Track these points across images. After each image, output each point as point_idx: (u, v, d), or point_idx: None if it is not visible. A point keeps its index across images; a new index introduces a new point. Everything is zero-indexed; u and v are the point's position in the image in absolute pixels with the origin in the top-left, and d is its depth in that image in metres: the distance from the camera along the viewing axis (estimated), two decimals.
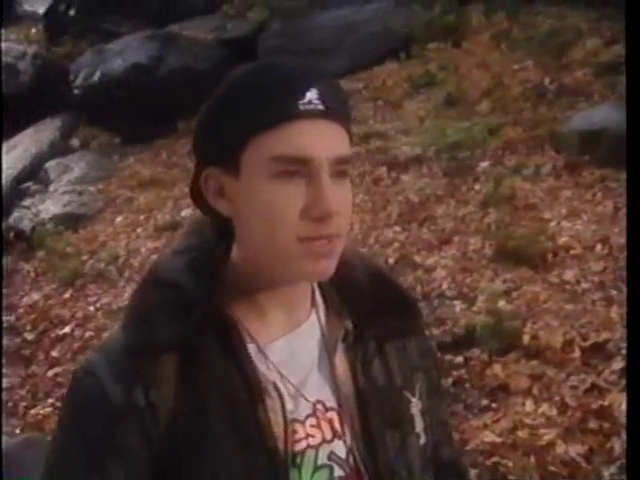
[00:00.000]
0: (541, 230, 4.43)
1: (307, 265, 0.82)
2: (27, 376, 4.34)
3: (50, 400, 4.03)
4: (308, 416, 0.88)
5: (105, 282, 5.38)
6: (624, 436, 2.76)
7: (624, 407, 2.86)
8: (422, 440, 0.94)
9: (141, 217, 6.41)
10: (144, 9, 9.75)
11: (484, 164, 5.69)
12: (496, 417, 3.01)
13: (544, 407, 3.00)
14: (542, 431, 2.89)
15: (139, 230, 6.20)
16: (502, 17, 7.66)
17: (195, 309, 0.86)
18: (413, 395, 0.95)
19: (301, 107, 0.80)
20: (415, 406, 0.95)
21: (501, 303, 3.76)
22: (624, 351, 3.14)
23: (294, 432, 0.86)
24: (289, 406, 0.87)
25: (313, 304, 0.93)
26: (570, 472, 2.71)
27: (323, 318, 0.93)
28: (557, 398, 3.03)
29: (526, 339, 3.36)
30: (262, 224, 0.82)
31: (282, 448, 0.85)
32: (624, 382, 3.00)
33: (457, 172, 5.51)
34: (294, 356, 0.89)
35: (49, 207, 6.91)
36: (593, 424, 2.85)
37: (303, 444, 0.87)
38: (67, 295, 5.32)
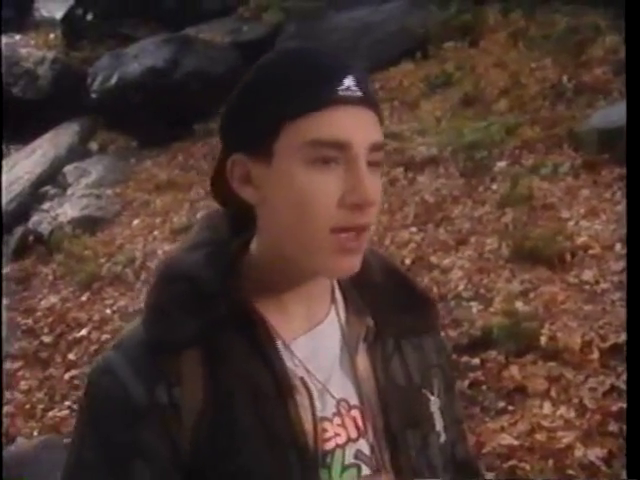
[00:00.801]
0: (559, 230, 4.38)
1: (334, 260, 0.81)
2: (44, 378, 4.37)
3: (67, 402, 4.05)
4: (334, 414, 0.86)
5: (122, 285, 5.40)
6: None
7: None
8: (442, 438, 0.93)
9: (157, 220, 6.43)
10: (160, 13, 9.80)
11: (501, 164, 5.64)
12: (513, 420, 2.97)
13: (562, 409, 2.96)
14: (560, 434, 2.84)
15: (156, 233, 6.23)
16: (519, 15, 7.60)
17: (216, 303, 0.84)
18: (432, 393, 0.94)
19: (340, 93, 0.79)
20: (434, 404, 0.94)
21: (518, 304, 3.71)
22: None
23: (324, 430, 0.85)
24: (317, 403, 0.85)
25: (332, 300, 0.92)
26: (589, 475, 2.66)
27: (343, 315, 0.92)
28: (575, 400, 2.99)
29: (543, 340, 3.31)
30: (295, 212, 0.80)
31: (312, 447, 0.83)
32: None
33: (474, 172, 5.47)
34: (317, 353, 0.88)
35: (67, 210, 6.96)
36: (612, 427, 2.80)
37: (332, 443, 0.85)
38: (84, 298, 5.35)
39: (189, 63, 8.60)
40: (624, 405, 2.86)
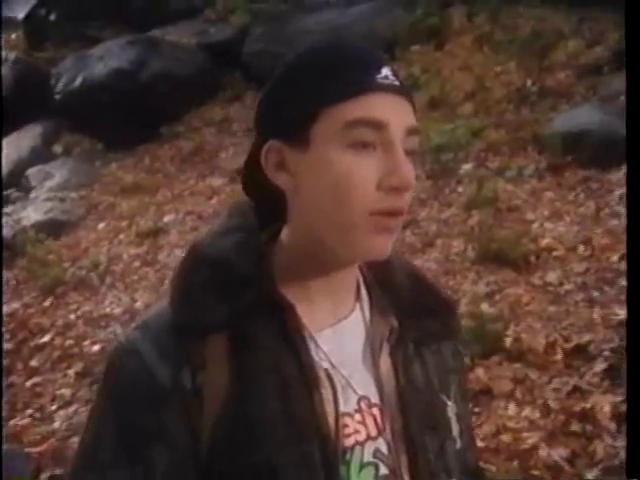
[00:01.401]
0: (524, 232, 4.43)
1: (372, 240, 0.81)
2: (5, 386, 4.27)
3: (29, 411, 3.97)
4: (356, 411, 0.86)
5: (86, 289, 5.33)
6: (607, 439, 2.74)
7: (607, 409, 2.85)
8: (458, 445, 0.93)
9: (123, 223, 6.36)
10: (126, 14, 9.70)
11: (467, 166, 5.69)
12: (479, 421, 2.98)
13: (527, 410, 2.98)
14: (525, 435, 2.87)
15: (121, 236, 6.15)
16: (484, 20, 7.67)
17: (246, 289, 0.83)
18: (449, 399, 0.94)
19: (379, 80, 0.80)
20: (451, 410, 0.94)
21: (484, 306, 3.74)
22: (606, 352, 3.13)
23: (345, 426, 0.84)
24: (340, 397, 0.84)
25: (357, 298, 0.91)
26: (553, 475, 2.69)
27: (367, 313, 0.91)
28: (540, 401, 3.02)
29: (508, 342, 3.34)
30: (333, 196, 0.79)
31: (334, 441, 0.82)
32: (606, 384, 2.99)
33: (440, 174, 5.51)
34: (341, 348, 0.87)
35: (30, 214, 6.84)
36: (576, 427, 2.83)
37: (352, 440, 0.85)
38: (47, 303, 5.26)
39: (155, 65, 8.52)
40: (587, 405, 2.90)
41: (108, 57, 8.50)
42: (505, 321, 3.54)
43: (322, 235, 0.82)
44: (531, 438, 2.84)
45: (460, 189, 5.40)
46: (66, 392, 4.03)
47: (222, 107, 8.60)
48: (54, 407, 3.87)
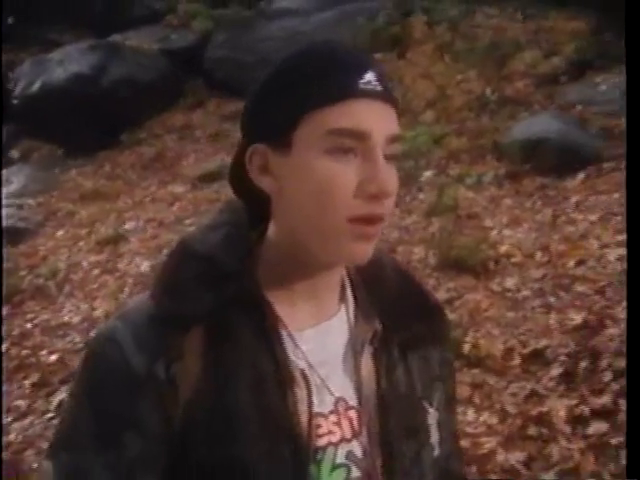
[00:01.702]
0: (483, 239, 4.48)
1: (351, 247, 0.81)
2: None
3: None
4: (331, 412, 0.86)
5: (44, 298, 5.23)
6: (562, 442, 2.79)
7: (562, 413, 2.90)
8: (435, 452, 0.93)
9: (83, 231, 6.27)
10: (86, 18, 9.59)
11: (428, 173, 5.75)
12: None
13: (485, 415, 3.02)
14: (483, 439, 2.89)
15: (81, 244, 6.07)
16: (444, 28, 7.77)
17: (229, 283, 0.84)
18: (431, 405, 0.94)
19: (361, 86, 0.80)
20: (432, 417, 0.93)
21: None
22: (562, 357, 3.18)
23: (318, 426, 0.84)
24: (315, 398, 0.84)
25: (342, 299, 0.91)
26: (510, 479, 2.72)
27: (352, 315, 0.91)
28: (498, 406, 3.05)
29: (467, 348, 3.37)
30: (313, 201, 0.80)
31: (305, 440, 0.83)
32: (562, 388, 3.04)
33: (402, 182, 5.47)
34: (321, 348, 0.87)
35: None
36: (532, 431, 2.87)
37: (325, 440, 0.85)
38: (4, 312, 5.15)
39: (117, 70, 8.44)
40: (543, 409, 2.95)
41: (68, 62, 8.40)
42: (464, 327, 3.57)
43: (304, 238, 0.83)
44: (489, 443, 2.87)
45: (421, 196, 5.45)
46: (22, 403, 3.95)
47: (184, 113, 8.55)
48: (9, 419, 3.79)
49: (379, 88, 0.81)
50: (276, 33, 8.87)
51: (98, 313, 4.77)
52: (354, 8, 8.72)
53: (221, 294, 0.83)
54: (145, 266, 5.32)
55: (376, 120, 0.80)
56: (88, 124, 7.87)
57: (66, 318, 4.86)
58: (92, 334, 0.88)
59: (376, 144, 0.79)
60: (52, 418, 3.68)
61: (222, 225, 0.90)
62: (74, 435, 0.82)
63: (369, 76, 0.81)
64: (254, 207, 0.89)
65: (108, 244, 5.87)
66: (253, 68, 8.60)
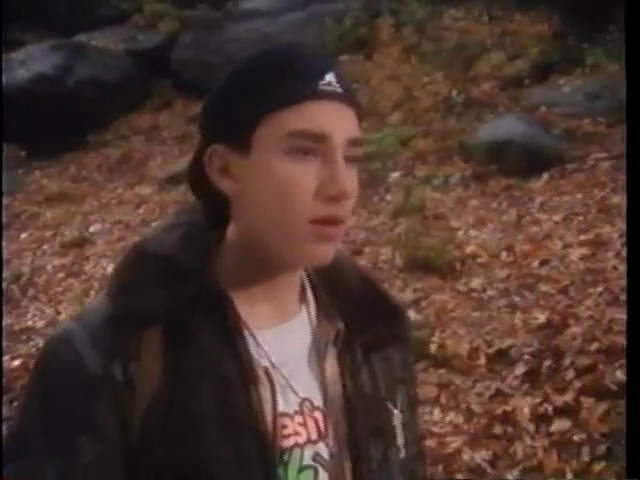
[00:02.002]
0: (449, 239, 4.53)
1: (313, 248, 0.81)
2: None
3: None
4: (296, 412, 0.85)
5: (7, 302, 5.14)
6: (526, 440, 2.83)
7: (526, 411, 2.93)
8: (402, 454, 0.92)
9: (47, 233, 6.19)
10: (50, 18, 9.45)
11: (395, 174, 5.79)
12: None
13: (451, 415, 3.04)
14: (449, 439, 2.92)
15: (45, 247, 5.98)
16: (411, 31, 7.83)
17: (187, 283, 0.82)
18: (395, 407, 0.93)
19: (321, 87, 0.80)
20: (397, 419, 0.93)
21: (411, 313, 3.79)
22: (526, 356, 3.22)
23: (284, 426, 0.83)
24: (279, 397, 0.83)
25: (302, 300, 0.91)
26: (475, 478, 2.75)
27: (314, 316, 0.90)
28: (463, 405, 3.08)
29: (434, 348, 3.40)
30: (273, 202, 0.80)
31: (271, 440, 0.81)
32: (526, 387, 3.08)
33: (369, 183, 5.57)
34: (283, 348, 0.86)
35: None
36: (497, 429, 2.90)
37: (291, 441, 0.84)
38: None
39: (82, 70, 8.34)
40: (508, 408, 2.98)
41: (31, 61, 8.28)
42: (431, 328, 3.60)
43: (265, 239, 0.83)
44: (455, 442, 2.89)
45: (388, 197, 5.48)
46: None
47: (151, 115, 8.48)
48: None
49: (339, 90, 0.81)
50: (244, 34, 8.85)
51: (63, 317, 4.70)
52: (321, 10, 8.73)
53: (179, 293, 0.82)
54: (111, 269, 5.26)
55: (336, 122, 0.80)
56: (52, 125, 7.76)
57: (30, 322, 4.79)
58: (47, 336, 0.85)
59: (336, 146, 0.79)
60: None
61: (179, 225, 0.89)
62: (26, 439, 0.79)
63: (329, 77, 0.80)
64: (213, 208, 0.88)
65: (73, 247, 5.79)
66: (220, 69, 8.48)
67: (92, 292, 4.99)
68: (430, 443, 2.91)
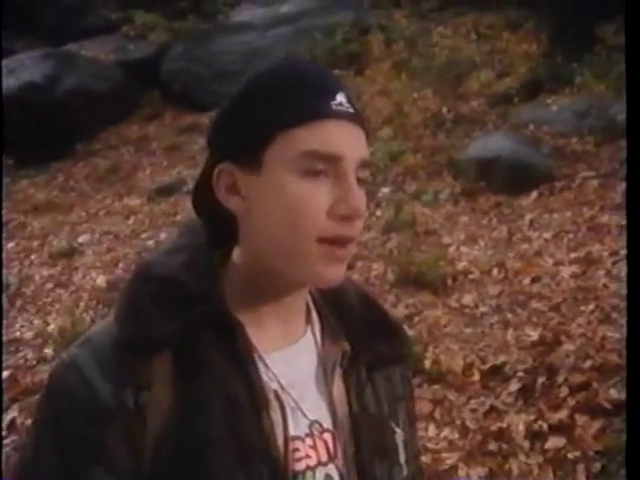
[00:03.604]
0: (441, 255, 4.55)
1: (322, 269, 0.80)
2: None
3: None
4: (307, 435, 0.85)
5: None
6: (521, 457, 2.84)
7: (521, 428, 2.95)
8: (404, 472, 0.93)
9: (35, 243, 6.13)
10: (40, 26, 9.42)
11: (385, 190, 5.82)
12: None
13: (446, 431, 3.05)
14: (444, 455, 2.93)
15: (33, 257, 5.93)
16: (401, 47, 7.90)
17: (195, 307, 0.81)
18: (397, 425, 0.94)
19: (333, 107, 0.80)
20: (399, 437, 0.93)
21: None
22: (520, 373, 3.25)
23: (295, 450, 0.83)
24: (290, 420, 0.83)
25: (308, 321, 0.91)
26: None
27: (319, 337, 0.90)
28: (458, 422, 3.09)
29: (428, 364, 3.41)
30: (284, 221, 0.79)
31: (283, 465, 0.81)
32: (520, 403, 3.10)
33: None
34: (292, 370, 0.86)
35: None
36: (492, 446, 2.92)
37: (303, 464, 0.83)
38: None
39: (71, 80, 8.32)
40: (503, 425, 3.00)
41: (20, 70, 8.24)
42: (424, 343, 3.62)
43: (273, 259, 0.82)
44: (450, 459, 2.90)
45: (379, 212, 5.51)
46: None
47: (140, 125, 8.47)
48: None
49: (351, 110, 0.81)
50: (234, 47, 8.89)
51: (52, 328, 4.65)
52: (312, 24, 8.80)
53: (188, 317, 0.81)
54: (101, 280, 5.23)
55: (348, 143, 0.80)
56: (40, 134, 7.71)
57: (18, 333, 4.73)
58: (53, 364, 0.83)
59: (349, 166, 0.80)
60: (4, 437, 3.57)
61: (183, 248, 0.88)
62: (39, 471, 0.78)
63: (340, 97, 0.81)
64: (217, 228, 0.87)
65: (62, 257, 5.75)
66: (210, 81, 8.59)
67: (81, 303, 4.95)
68: (425, 459, 2.92)
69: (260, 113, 0.80)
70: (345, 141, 0.80)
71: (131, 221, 6.35)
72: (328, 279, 0.82)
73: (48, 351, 4.20)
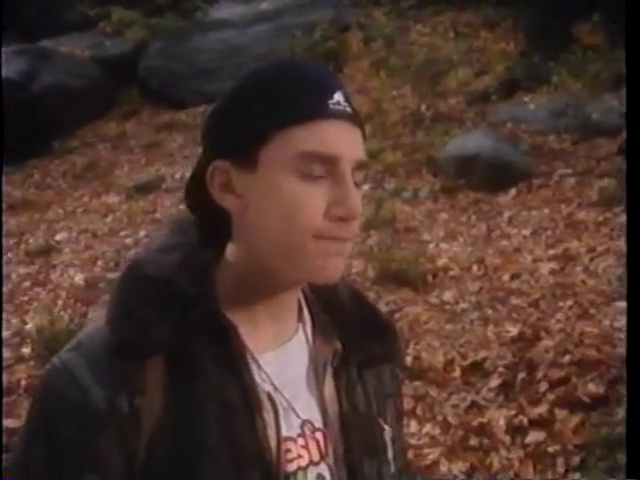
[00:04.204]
0: (421, 252, 4.58)
1: (319, 264, 0.79)
2: None
3: None
4: (299, 435, 0.84)
5: None
6: (502, 451, 2.87)
7: (502, 423, 2.98)
8: (392, 468, 0.93)
9: (11, 241, 6.05)
10: (15, 22, 9.29)
11: (365, 187, 5.83)
12: None
13: (428, 427, 3.07)
14: (426, 451, 2.95)
15: (9, 255, 5.85)
16: (380, 45, 7.92)
17: (189, 309, 0.80)
18: (386, 422, 0.94)
19: (331, 107, 0.79)
20: (387, 434, 0.93)
21: None
22: (500, 368, 3.28)
23: (287, 450, 0.82)
24: (282, 421, 0.83)
25: (300, 319, 0.90)
26: None
27: (310, 335, 0.90)
28: (440, 417, 3.12)
29: (409, 360, 3.43)
30: (282, 221, 0.78)
31: (275, 466, 0.81)
32: (501, 399, 3.13)
33: None
34: (284, 370, 0.85)
35: None
36: (474, 441, 2.94)
37: (294, 465, 0.83)
38: None
39: (47, 76, 8.22)
40: (484, 420, 3.03)
41: None
42: (405, 340, 3.63)
43: (270, 259, 0.81)
44: (432, 454, 2.92)
45: None
46: None
47: (118, 123, 8.40)
48: None
49: (348, 109, 0.80)
50: (212, 45, 8.85)
51: (29, 327, 4.60)
52: (291, 22, 8.79)
53: (181, 320, 0.80)
54: (79, 278, 5.17)
55: (346, 143, 0.79)
56: (16, 131, 7.59)
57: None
58: (44, 369, 0.81)
59: (346, 167, 0.79)
60: None
61: (175, 247, 0.86)
62: (28, 478, 0.77)
63: (338, 96, 0.79)
64: (209, 225, 0.87)
65: (39, 255, 5.68)
66: (188, 79, 8.54)
67: (59, 302, 4.90)
68: (408, 455, 2.94)
69: (256, 111, 0.79)
70: (343, 142, 0.79)
71: (109, 219, 6.29)
72: (327, 275, 0.81)
73: (26, 350, 4.15)
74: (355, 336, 0.92)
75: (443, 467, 2.86)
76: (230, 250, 0.85)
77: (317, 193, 0.78)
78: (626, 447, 1.42)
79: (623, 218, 4.59)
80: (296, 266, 0.80)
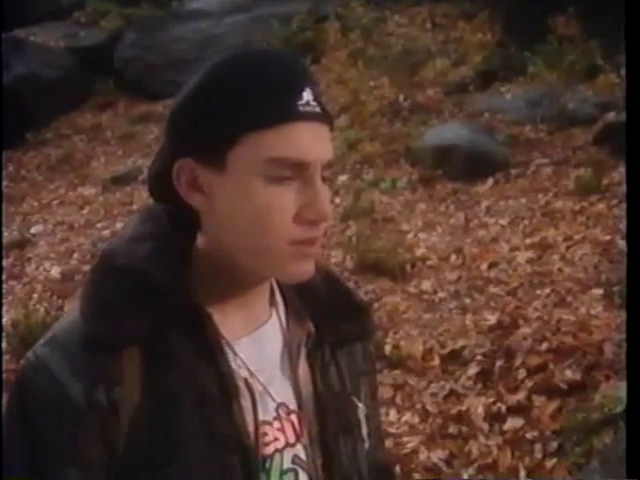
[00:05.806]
0: (399, 242, 4.59)
1: (293, 267, 0.81)
2: None
3: None
4: (274, 418, 0.85)
5: None
6: (481, 438, 2.89)
7: (480, 410, 3.00)
8: (366, 445, 0.94)
9: None
10: None
11: (343, 178, 5.82)
12: None
13: (407, 415, 3.09)
14: (406, 439, 2.96)
15: None
16: (358, 35, 7.90)
17: (163, 298, 0.80)
18: (359, 400, 0.95)
19: (300, 108, 0.77)
20: (361, 411, 0.95)
21: None
22: (479, 357, 3.30)
23: (264, 434, 0.84)
24: (259, 406, 0.84)
25: (272, 303, 0.90)
26: (432, 477, 2.80)
27: (283, 318, 0.90)
28: (419, 406, 3.13)
29: (388, 349, 3.44)
30: (251, 224, 0.78)
31: (253, 451, 0.82)
32: (479, 386, 3.15)
33: None
34: (260, 355, 0.86)
35: None
36: (452, 429, 2.96)
37: (271, 448, 0.84)
38: None
39: (20, 66, 8.09)
40: (462, 408, 3.05)
41: None
42: (384, 329, 3.64)
43: (241, 255, 0.82)
44: (411, 442, 2.94)
45: (337, 200, 5.51)
46: None
47: (93, 114, 8.30)
48: None
49: (317, 109, 0.79)
50: (188, 35, 8.77)
51: (5, 321, 4.54)
52: (268, 12, 8.73)
53: (156, 310, 0.80)
54: (55, 271, 5.12)
55: (315, 147, 0.78)
56: None
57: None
58: (20, 364, 0.81)
59: (315, 171, 0.78)
60: None
61: (147, 236, 0.85)
62: (7, 474, 0.77)
63: (307, 95, 0.78)
64: (177, 215, 0.86)
65: (14, 248, 5.60)
66: (164, 69, 8.46)
67: (35, 295, 4.84)
68: (387, 444, 2.94)
69: (222, 112, 0.78)
70: (312, 146, 0.78)
71: (86, 211, 6.23)
72: (299, 276, 0.83)
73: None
74: (328, 317, 0.93)
75: (422, 455, 2.87)
76: (200, 240, 0.85)
77: (286, 198, 0.78)
78: (626, 447, 1.44)
79: (599, 207, 4.64)
80: (269, 267, 0.82)
